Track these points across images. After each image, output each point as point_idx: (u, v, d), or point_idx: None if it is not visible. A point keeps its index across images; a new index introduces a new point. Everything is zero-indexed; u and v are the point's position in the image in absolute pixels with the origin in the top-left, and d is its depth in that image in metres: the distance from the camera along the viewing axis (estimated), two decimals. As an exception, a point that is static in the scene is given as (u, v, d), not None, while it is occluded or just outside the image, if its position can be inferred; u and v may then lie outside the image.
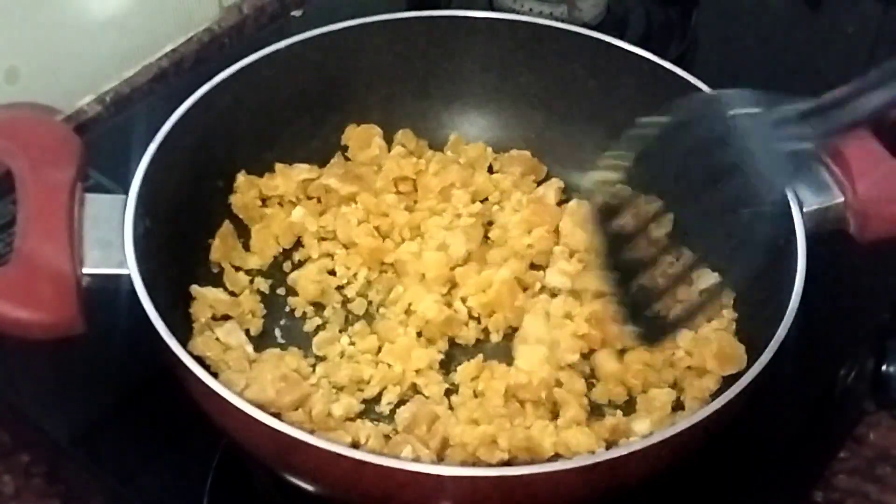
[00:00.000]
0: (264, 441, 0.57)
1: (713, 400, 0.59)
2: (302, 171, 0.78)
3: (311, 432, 0.57)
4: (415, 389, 0.68)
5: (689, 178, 0.54)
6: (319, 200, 0.78)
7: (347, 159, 0.81)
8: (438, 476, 0.55)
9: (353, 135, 0.81)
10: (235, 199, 0.76)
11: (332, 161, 0.80)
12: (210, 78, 0.73)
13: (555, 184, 0.81)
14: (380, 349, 0.70)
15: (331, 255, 0.75)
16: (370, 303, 0.74)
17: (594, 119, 0.81)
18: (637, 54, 0.78)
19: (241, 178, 0.76)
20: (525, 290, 0.74)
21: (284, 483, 0.61)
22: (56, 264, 0.60)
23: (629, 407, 0.68)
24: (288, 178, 0.77)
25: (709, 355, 0.68)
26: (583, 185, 0.67)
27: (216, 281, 0.73)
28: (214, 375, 0.58)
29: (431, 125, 0.84)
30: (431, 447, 0.63)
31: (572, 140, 0.82)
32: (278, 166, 0.78)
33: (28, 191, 0.63)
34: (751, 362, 0.61)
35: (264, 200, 0.78)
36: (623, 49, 0.78)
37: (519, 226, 0.77)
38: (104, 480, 0.67)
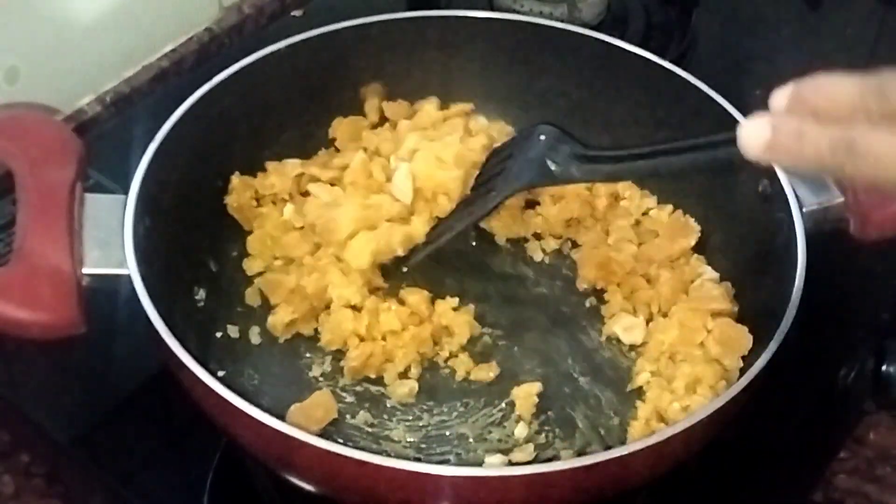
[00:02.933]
0: (264, 441, 0.57)
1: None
2: (295, 165, 0.78)
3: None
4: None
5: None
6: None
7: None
8: (438, 476, 0.55)
9: (341, 127, 0.81)
10: (231, 201, 0.76)
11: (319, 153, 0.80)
12: (210, 78, 0.73)
13: None
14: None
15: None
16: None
17: (594, 118, 0.81)
18: (637, 54, 0.78)
19: (236, 179, 0.76)
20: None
21: (284, 483, 0.61)
22: (56, 264, 0.60)
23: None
24: (282, 174, 0.77)
25: (712, 342, 0.68)
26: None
27: (215, 280, 0.73)
28: (214, 375, 0.58)
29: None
30: None
31: (572, 140, 0.82)
32: (270, 164, 0.78)
33: (28, 191, 0.63)
34: (750, 363, 0.61)
35: (259, 200, 0.77)
36: (623, 49, 0.78)
37: None
38: (104, 480, 0.67)
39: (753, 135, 0.49)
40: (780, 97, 0.49)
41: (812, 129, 0.47)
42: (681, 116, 0.77)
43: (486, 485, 0.55)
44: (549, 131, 0.69)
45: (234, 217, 0.76)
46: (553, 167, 0.67)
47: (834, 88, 0.47)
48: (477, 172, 0.74)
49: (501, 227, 0.79)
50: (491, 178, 0.72)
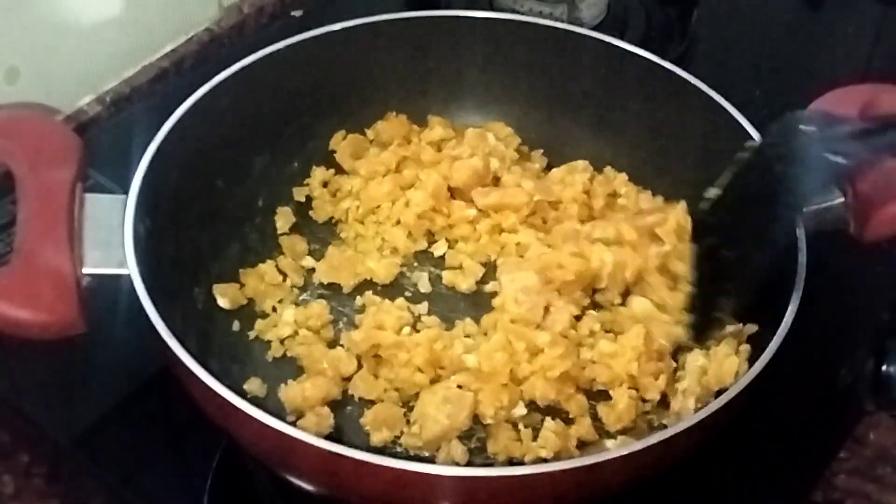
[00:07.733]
0: (264, 441, 0.58)
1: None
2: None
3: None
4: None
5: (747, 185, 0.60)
6: None
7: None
8: (438, 476, 0.55)
9: (342, 145, 0.81)
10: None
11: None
12: (210, 78, 0.73)
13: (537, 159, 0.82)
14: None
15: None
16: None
17: (594, 118, 0.81)
18: (637, 54, 0.78)
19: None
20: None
21: (284, 483, 0.61)
22: (56, 264, 0.60)
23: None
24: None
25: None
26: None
27: (214, 280, 0.73)
28: (215, 375, 0.58)
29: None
30: None
31: (572, 139, 0.82)
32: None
33: (28, 191, 0.63)
34: (751, 363, 0.61)
35: None
36: (623, 49, 0.78)
37: None
38: (104, 480, 0.67)
39: None
40: None
41: None
42: (681, 116, 0.77)
43: (487, 485, 0.55)
44: (813, 115, 0.55)
45: (233, 217, 0.76)
46: (841, 160, 0.53)
47: None
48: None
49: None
50: (764, 201, 0.58)
